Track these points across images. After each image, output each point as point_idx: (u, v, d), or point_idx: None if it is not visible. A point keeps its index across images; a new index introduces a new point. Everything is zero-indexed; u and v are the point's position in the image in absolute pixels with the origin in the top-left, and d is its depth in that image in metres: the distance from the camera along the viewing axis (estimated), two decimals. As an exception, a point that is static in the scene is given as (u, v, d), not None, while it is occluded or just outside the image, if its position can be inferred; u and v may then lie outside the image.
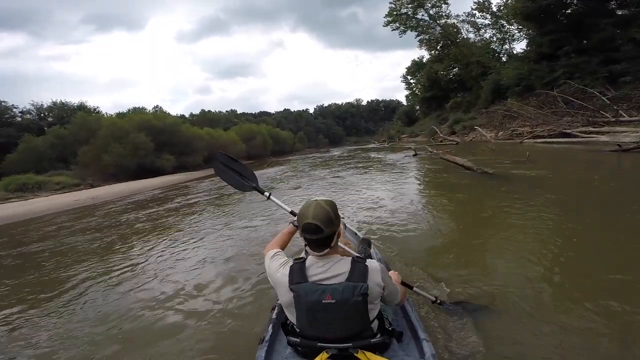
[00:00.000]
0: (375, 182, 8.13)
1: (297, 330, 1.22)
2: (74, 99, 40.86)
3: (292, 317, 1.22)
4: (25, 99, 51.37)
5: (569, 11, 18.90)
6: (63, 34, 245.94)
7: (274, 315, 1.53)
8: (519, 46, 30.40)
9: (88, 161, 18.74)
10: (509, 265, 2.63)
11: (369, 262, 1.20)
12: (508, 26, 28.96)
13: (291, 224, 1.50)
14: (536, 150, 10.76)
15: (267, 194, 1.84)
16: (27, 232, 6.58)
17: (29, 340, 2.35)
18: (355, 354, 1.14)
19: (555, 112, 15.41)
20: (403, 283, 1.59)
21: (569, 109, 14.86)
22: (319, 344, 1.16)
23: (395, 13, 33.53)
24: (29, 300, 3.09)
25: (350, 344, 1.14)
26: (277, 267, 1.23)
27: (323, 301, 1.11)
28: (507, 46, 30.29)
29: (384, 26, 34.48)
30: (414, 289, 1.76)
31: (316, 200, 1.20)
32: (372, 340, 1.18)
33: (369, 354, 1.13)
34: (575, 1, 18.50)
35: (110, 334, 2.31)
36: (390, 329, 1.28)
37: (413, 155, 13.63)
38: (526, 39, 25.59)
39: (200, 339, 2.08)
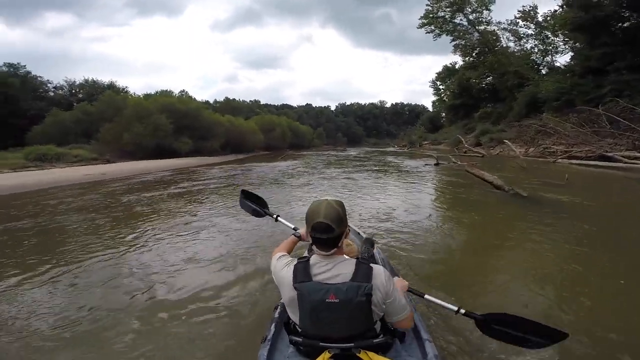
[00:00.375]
0: (389, 189, 7.55)
1: (300, 329, 1.20)
2: (107, 78, 42.11)
3: (294, 316, 1.20)
4: (63, 76, 53.75)
5: (627, 24, 17.29)
6: (107, 16, 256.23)
7: (276, 315, 1.52)
8: (562, 59, 28.47)
9: (110, 138, 19.12)
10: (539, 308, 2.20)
11: (373, 265, 1.18)
12: (552, 37, 27.17)
13: (293, 235, 1.58)
14: (571, 172, 9.73)
15: (275, 216, 2.02)
16: (27, 205, 6.48)
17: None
18: (358, 354, 1.12)
19: (597, 132, 14.05)
20: (411, 291, 1.46)
21: (613, 129, 13.51)
22: (321, 343, 1.14)
23: (431, 16, 32.28)
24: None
25: (353, 344, 1.12)
26: (282, 266, 1.23)
27: (327, 300, 1.09)
28: (548, 58, 28.50)
29: (418, 28, 33.40)
30: (426, 296, 1.47)
31: (326, 199, 1.19)
32: (374, 341, 1.15)
33: (371, 354, 1.12)
34: (635, 15, 16.85)
35: (88, 330, 2.07)
36: (392, 328, 1.24)
37: (434, 165, 12.82)
38: (571, 51, 23.81)
39: (201, 336, 1.98)
